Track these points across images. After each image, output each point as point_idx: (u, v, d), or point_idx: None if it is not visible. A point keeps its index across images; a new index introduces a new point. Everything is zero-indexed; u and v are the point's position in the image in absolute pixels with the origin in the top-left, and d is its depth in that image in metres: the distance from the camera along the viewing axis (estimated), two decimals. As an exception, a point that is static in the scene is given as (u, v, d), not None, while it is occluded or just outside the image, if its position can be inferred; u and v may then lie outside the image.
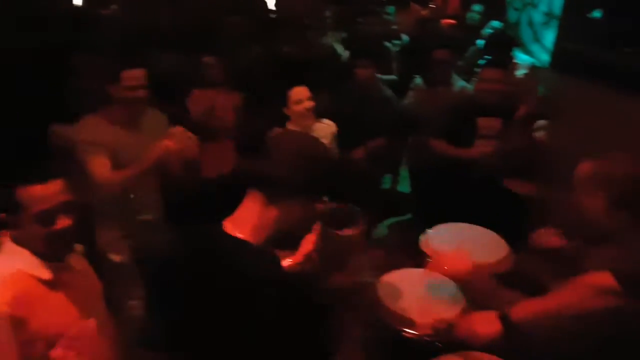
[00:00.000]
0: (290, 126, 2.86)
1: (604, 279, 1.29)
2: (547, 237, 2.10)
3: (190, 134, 2.17)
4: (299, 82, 2.83)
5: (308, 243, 1.53)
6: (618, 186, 1.52)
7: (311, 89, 2.85)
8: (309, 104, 2.82)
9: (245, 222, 1.28)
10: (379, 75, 3.59)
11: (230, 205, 1.33)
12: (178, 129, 2.18)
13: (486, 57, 3.48)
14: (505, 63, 3.43)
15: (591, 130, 2.27)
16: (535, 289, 1.69)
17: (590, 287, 1.31)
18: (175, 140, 2.14)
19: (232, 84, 2.85)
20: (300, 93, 2.82)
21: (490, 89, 2.96)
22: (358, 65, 3.33)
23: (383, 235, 4.11)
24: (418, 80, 3.69)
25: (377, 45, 3.88)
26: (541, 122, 2.89)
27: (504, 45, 3.63)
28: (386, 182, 4.53)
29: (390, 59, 3.94)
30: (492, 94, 2.96)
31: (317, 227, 1.52)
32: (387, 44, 4.10)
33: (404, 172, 4.47)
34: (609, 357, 1.46)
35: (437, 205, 2.91)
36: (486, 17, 4.39)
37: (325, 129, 3.01)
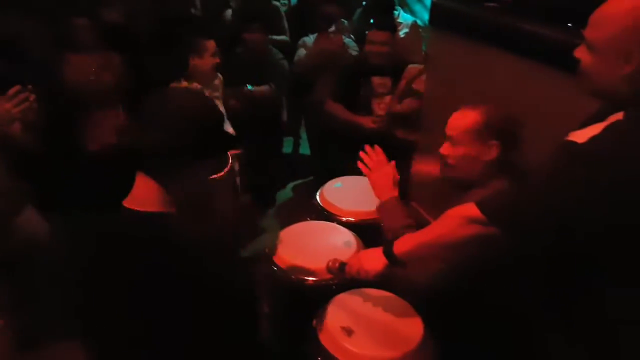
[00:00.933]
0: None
1: (469, 209, 1.43)
2: (427, 165, 2.30)
3: (28, 93, 1.88)
4: (183, 43, 2.78)
5: None
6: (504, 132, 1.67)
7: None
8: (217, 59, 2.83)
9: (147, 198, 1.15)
10: (271, 36, 3.60)
11: (114, 180, 1.23)
12: (14, 89, 1.87)
13: (372, 19, 3.61)
14: (389, 24, 3.60)
15: (460, 81, 2.48)
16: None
17: (458, 218, 1.45)
18: (13, 102, 1.84)
19: (107, 46, 2.70)
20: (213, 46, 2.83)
21: (378, 51, 3.13)
22: (247, 29, 3.31)
23: (288, 197, 4.22)
24: (307, 38, 3.74)
25: (266, 6, 3.85)
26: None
27: (385, 6, 3.76)
28: (288, 147, 4.61)
29: (281, 20, 3.94)
30: (380, 56, 3.13)
31: None
32: (276, 2, 4.08)
33: (304, 135, 4.57)
34: (477, 281, 1.64)
35: (336, 164, 3.05)
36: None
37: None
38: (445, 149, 1.72)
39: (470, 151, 1.66)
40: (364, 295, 1.76)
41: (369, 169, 1.92)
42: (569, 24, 2.02)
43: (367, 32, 3.22)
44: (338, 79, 3.30)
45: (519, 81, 2.15)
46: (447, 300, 1.67)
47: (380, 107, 3.21)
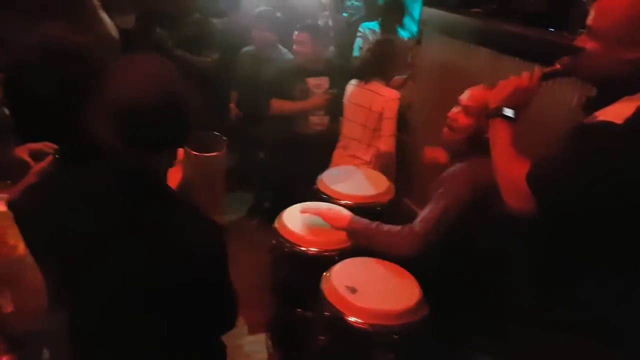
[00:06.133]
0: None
1: None
2: (437, 153, 2.46)
3: None
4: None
5: (176, 172, 1.60)
6: None
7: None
8: None
9: None
10: None
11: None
12: None
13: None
14: (392, 28, 3.79)
15: (448, 77, 2.70)
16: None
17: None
18: None
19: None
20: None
21: (299, 51, 3.21)
22: (255, 27, 3.46)
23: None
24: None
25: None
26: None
27: (394, 11, 3.88)
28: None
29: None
30: (303, 55, 3.20)
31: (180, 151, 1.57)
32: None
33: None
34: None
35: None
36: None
37: None
38: (456, 115, 1.85)
39: (478, 122, 1.77)
40: (365, 262, 1.93)
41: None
42: (548, 28, 2.27)
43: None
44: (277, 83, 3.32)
45: (500, 75, 2.38)
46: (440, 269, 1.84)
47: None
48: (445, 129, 1.89)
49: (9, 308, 1.40)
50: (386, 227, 1.83)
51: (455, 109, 1.87)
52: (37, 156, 1.88)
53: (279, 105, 3.29)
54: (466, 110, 1.84)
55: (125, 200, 1.14)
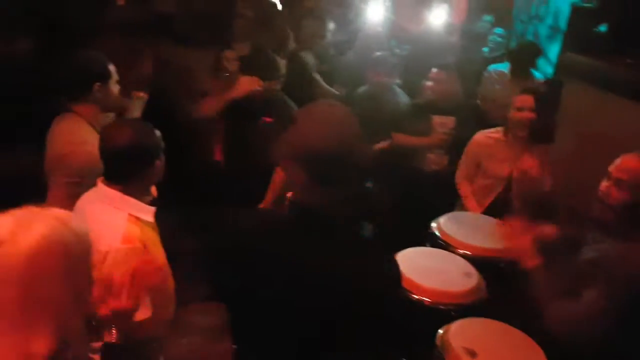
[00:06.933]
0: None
1: None
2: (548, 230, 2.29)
3: None
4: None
5: None
6: None
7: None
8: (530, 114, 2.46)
9: None
10: None
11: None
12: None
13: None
14: (526, 72, 3.56)
15: (591, 131, 2.49)
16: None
17: None
18: None
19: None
20: (524, 101, 2.50)
21: (434, 89, 3.17)
22: (370, 69, 3.46)
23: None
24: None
25: None
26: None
27: (528, 54, 3.64)
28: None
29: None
30: (438, 94, 3.17)
31: None
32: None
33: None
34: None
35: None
36: (494, 27, 4.56)
37: None
38: (607, 188, 1.63)
39: (635, 196, 1.57)
40: (487, 323, 1.81)
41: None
42: None
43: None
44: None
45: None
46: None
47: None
48: (598, 206, 1.66)
49: (143, 314, 1.50)
50: (557, 301, 1.61)
51: (606, 182, 1.64)
52: None
53: (398, 138, 3.31)
54: (618, 184, 1.60)
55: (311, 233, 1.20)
